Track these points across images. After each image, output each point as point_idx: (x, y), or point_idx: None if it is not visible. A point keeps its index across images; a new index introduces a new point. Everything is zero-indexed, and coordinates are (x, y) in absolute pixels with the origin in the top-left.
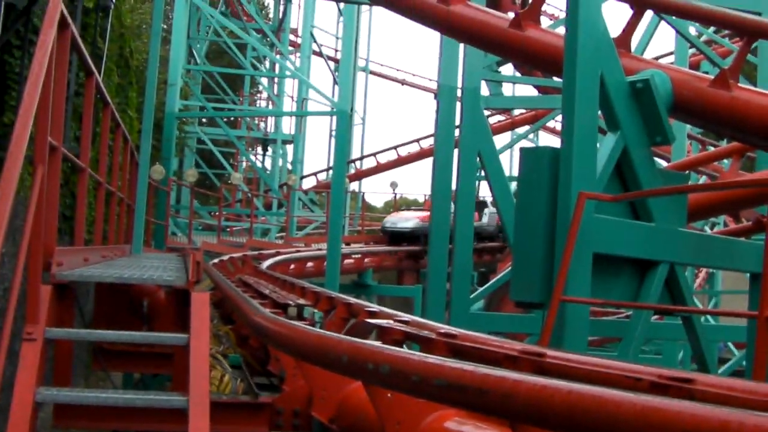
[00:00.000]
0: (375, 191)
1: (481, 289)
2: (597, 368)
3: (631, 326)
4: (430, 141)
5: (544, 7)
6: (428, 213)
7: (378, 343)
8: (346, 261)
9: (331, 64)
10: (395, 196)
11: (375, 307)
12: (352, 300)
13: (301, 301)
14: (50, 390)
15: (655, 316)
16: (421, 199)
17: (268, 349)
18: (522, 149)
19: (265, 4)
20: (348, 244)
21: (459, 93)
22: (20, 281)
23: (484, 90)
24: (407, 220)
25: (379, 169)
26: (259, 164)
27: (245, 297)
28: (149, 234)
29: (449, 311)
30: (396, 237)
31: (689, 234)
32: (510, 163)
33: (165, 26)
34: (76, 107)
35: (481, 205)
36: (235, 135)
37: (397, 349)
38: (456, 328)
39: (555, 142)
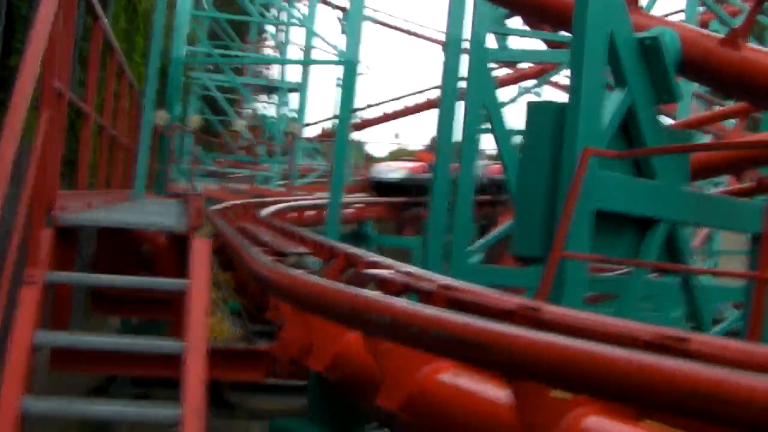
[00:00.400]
0: (378, 141)
1: (480, 241)
2: (594, 324)
3: (629, 284)
4: (436, 92)
5: None
6: (418, 164)
7: (378, 294)
8: (347, 210)
9: (339, 13)
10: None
11: (375, 257)
12: (352, 249)
13: (302, 249)
14: (48, 333)
15: (654, 274)
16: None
17: (267, 297)
18: (528, 103)
19: None
20: (351, 193)
21: (466, 45)
22: (22, 225)
23: (492, 43)
24: (395, 171)
25: (384, 119)
26: (263, 111)
27: (245, 244)
28: (151, 179)
29: (449, 263)
30: (383, 188)
31: (691, 193)
32: (516, 117)
33: None
34: (82, 51)
35: None
36: (240, 82)
37: (397, 299)
38: (455, 280)
39: (560, 97)
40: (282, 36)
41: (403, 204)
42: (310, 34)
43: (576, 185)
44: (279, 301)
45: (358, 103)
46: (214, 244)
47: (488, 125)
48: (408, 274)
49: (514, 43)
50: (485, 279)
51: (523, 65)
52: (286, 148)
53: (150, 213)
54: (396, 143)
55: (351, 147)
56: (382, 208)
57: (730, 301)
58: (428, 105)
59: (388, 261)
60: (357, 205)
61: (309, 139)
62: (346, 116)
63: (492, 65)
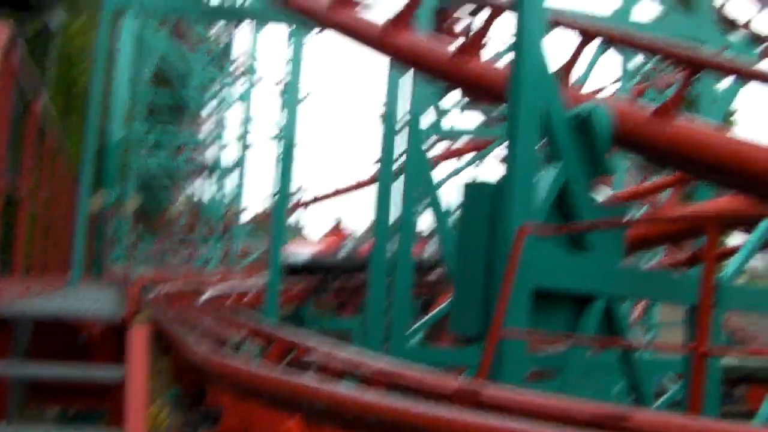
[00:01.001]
0: (316, 222)
1: (420, 321)
2: (534, 404)
3: (569, 360)
4: (373, 170)
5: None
6: (325, 245)
7: (313, 380)
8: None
9: (278, 89)
10: (338, 225)
11: (314, 341)
12: (291, 333)
13: (238, 336)
14: None
15: (594, 350)
16: None
17: (205, 384)
18: (464, 184)
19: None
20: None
21: (406, 120)
22: None
23: (431, 117)
24: (299, 255)
25: (323, 198)
26: (201, 193)
27: (182, 331)
28: (90, 262)
29: (389, 344)
30: (292, 270)
31: (627, 267)
32: (456, 192)
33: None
34: (16, 133)
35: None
36: (178, 162)
37: (333, 386)
38: (394, 363)
39: (501, 170)
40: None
41: (311, 287)
42: (248, 111)
43: (513, 263)
44: (217, 389)
45: (297, 182)
46: (152, 328)
47: (426, 203)
48: (346, 358)
49: (455, 117)
50: (426, 359)
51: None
52: (224, 230)
53: (87, 299)
54: (334, 223)
55: (288, 228)
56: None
57: (671, 373)
58: (368, 182)
59: (328, 345)
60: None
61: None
62: (284, 197)
63: (431, 140)
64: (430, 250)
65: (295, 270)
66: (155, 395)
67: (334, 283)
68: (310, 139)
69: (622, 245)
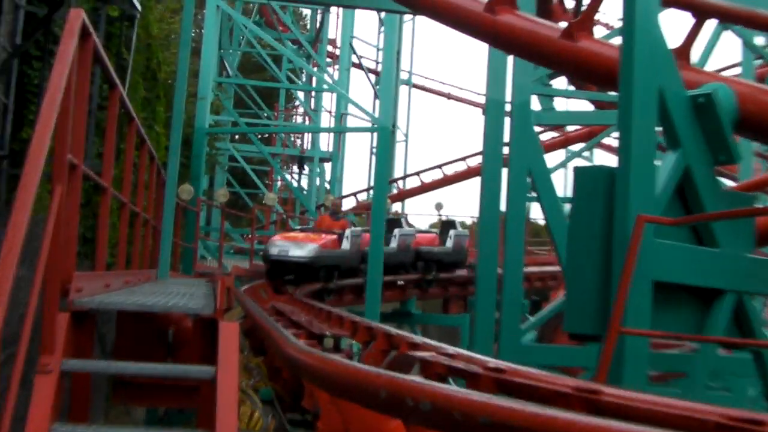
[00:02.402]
0: (420, 213)
1: (532, 319)
2: (657, 407)
3: (696, 361)
4: (478, 159)
5: (598, 16)
6: (330, 237)
7: (419, 378)
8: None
9: (372, 77)
10: (440, 218)
11: (417, 339)
12: (393, 330)
13: (338, 332)
14: (66, 426)
15: (723, 350)
16: (469, 222)
17: (302, 383)
18: (576, 168)
19: (302, 14)
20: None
21: (508, 108)
22: (35, 308)
23: (535, 105)
24: (301, 246)
25: (424, 188)
26: (294, 183)
27: (277, 326)
28: (176, 258)
29: (498, 343)
30: (283, 268)
31: (758, 260)
32: (564, 183)
33: (195, 36)
34: (99, 122)
35: (447, 226)
36: (269, 152)
37: (439, 384)
38: (505, 362)
39: (612, 160)
40: (313, 103)
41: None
42: (342, 99)
43: (631, 255)
44: (314, 388)
45: (395, 172)
46: (244, 325)
47: (534, 193)
48: (453, 356)
49: (560, 104)
50: (538, 359)
51: (571, 128)
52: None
53: (174, 294)
54: (438, 215)
55: (398, 220)
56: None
57: None
58: (470, 173)
59: (432, 342)
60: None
61: (344, 212)
62: (382, 186)
63: (537, 128)
64: (453, 241)
65: (291, 268)
66: (247, 395)
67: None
68: (409, 129)
69: (751, 236)
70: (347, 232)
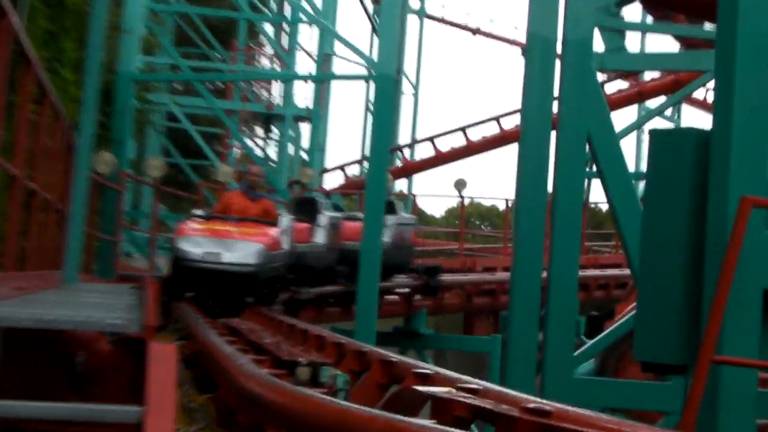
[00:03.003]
0: (434, 194)
1: (590, 342)
2: None
3: None
4: (515, 119)
5: None
6: (271, 230)
7: (430, 423)
8: (388, 298)
9: (368, 2)
10: (462, 201)
11: (429, 368)
12: (395, 357)
13: (316, 358)
14: None
15: None
16: (501, 207)
17: (264, 429)
18: (653, 132)
19: None
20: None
21: (559, 47)
22: None
23: (598, 43)
24: (238, 246)
25: (439, 159)
26: (258, 152)
27: (232, 351)
28: (91, 255)
29: (542, 375)
30: (206, 280)
31: None
32: (636, 153)
33: None
34: None
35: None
36: (222, 108)
37: None
38: (550, 402)
39: (706, 120)
40: (285, 40)
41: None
42: (327, 35)
43: (732, 254)
44: None
45: (400, 136)
46: (185, 349)
47: (594, 166)
48: (478, 392)
49: (633, 42)
50: (597, 399)
51: (648, 75)
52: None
53: (87, 305)
54: (461, 196)
55: (393, 203)
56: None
57: None
58: (504, 139)
59: (450, 373)
60: (401, 290)
61: (328, 193)
62: (382, 157)
63: (600, 76)
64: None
65: (212, 278)
66: None
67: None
68: (420, 77)
69: None
70: (322, 219)
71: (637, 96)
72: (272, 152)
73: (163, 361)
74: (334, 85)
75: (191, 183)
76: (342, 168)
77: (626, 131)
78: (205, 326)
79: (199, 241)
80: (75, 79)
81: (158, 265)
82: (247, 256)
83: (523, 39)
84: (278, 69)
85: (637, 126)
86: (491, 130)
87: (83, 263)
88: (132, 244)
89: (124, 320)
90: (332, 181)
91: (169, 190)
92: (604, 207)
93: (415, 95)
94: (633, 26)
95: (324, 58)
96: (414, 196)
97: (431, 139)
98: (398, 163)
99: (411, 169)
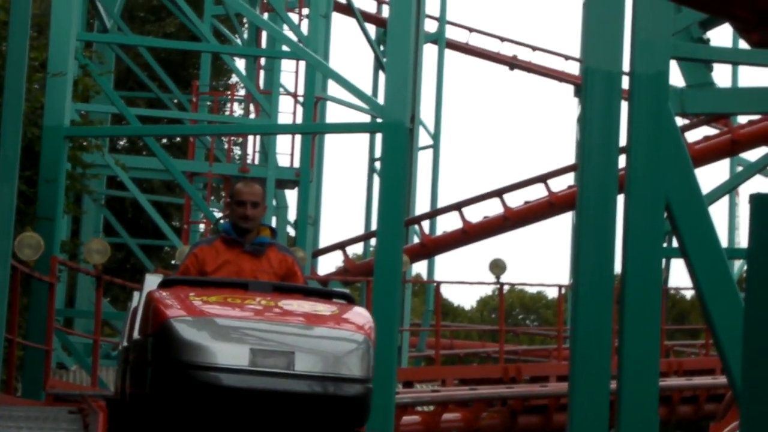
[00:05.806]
0: (462, 279)
1: None
2: None
3: None
4: (569, 179)
5: None
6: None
7: None
8: (407, 419)
9: (372, 29)
10: (500, 288)
11: None
12: None
13: None
14: None
15: None
16: (551, 295)
17: None
18: (753, 196)
19: None
20: (409, 383)
21: (625, 83)
22: None
23: (676, 77)
24: (324, 343)
25: (469, 234)
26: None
27: None
28: (11, 368)
29: None
30: (261, 411)
31: None
32: (729, 223)
33: None
34: None
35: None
36: (183, 171)
37: None
38: None
39: None
40: (262, 79)
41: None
42: (318, 72)
43: None
44: None
45: (416, 204)
46: None
47: (675, 240)
48: None
49: (723, 75)
50: None
51: (743, 119)
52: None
53: None
54: (499, 282)
55: (408, 292)
56: (477, 409)
57: None
58: (554, 205)
59: None
60: (425, 408)
61: (322, 278)
62: (394, 231)
63: (679, 120)
64: None
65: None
66: None
67: None
68: (441, 125)
69: None
70: None
71: (730, 146)
72: None
73: None
74: (329, 138)
75: (143, 269)
76: (341, 247)
77: (716, 194)
78: None
79: (239, 331)
80: None
81: (103, 380)
82: (349, 362)
83: (576, 72)
84: (254, 117)
85: (731, 187)
86: (536, 194)
87: (4, 380)
88: (68, 354)
89: None
90: (328, 264)
91: (116, 280)
92: (689, 293)
93: (435, 148)
94: (724, 55)
95: (315, 103)
96: (437, 283)
97: (458, 207)
98: (415, 240)
99: (432, 247)
